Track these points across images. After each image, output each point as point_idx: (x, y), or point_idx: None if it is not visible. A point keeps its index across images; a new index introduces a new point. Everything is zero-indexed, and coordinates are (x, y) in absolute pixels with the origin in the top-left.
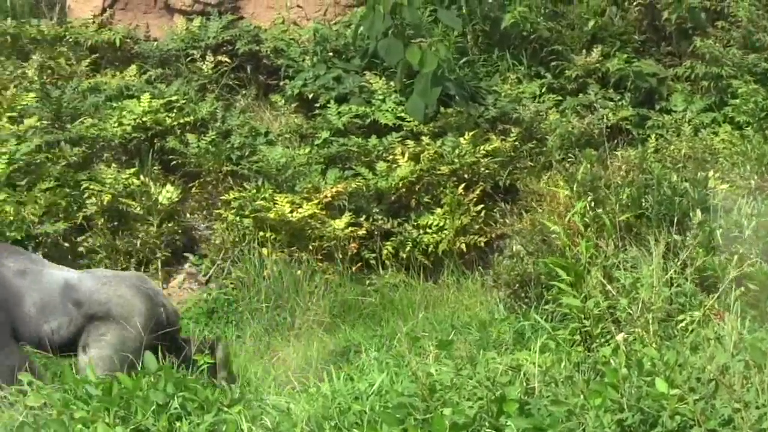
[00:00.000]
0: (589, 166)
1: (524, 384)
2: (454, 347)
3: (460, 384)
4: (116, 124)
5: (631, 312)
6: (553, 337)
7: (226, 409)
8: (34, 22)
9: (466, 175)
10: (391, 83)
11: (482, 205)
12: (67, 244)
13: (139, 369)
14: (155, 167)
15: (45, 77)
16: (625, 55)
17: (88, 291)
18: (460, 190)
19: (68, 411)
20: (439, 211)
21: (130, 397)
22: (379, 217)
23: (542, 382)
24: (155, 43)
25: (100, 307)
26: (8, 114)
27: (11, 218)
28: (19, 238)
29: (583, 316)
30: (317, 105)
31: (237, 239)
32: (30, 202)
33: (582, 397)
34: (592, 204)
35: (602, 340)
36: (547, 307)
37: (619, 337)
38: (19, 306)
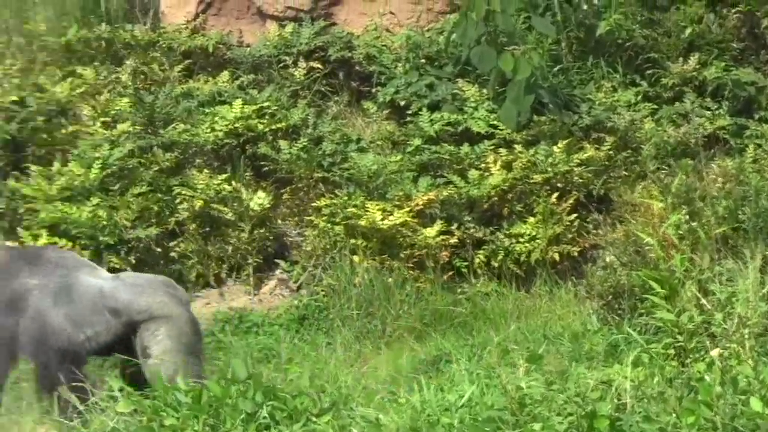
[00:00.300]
0: (684, 176)
1: (615, 399)
2: (545, 360)
3: (551, 398)
4: (208, 130)
5: (726, 327)
6: (646, 351)
7: (314, 419)
8: (128, 28)
9: (559, 184)
10: (484, 91)
11: (575, 215)
12: (159, 249)
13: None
14: (247, 173)
15: (138, 82)
16: (723, 63)
17: (126, 300)
18: (553, 199)
19: (158, 418)
20: (531, 220)
21: (219, 406)
22: (471, 225)
23: (634, 398)
24: (248, 48)
25: (141, 315)
26: (102, 119)
27: (104, 223)
28: (112, 242)
29: (677, 330)
30: (409, 112)
31: (328, 246)
32: (123, 206)
33: (674, 415)
34: (687, 216)
35: (696, 355)
36: (640, 319)
37: (714, 353)
38: (45, 323)
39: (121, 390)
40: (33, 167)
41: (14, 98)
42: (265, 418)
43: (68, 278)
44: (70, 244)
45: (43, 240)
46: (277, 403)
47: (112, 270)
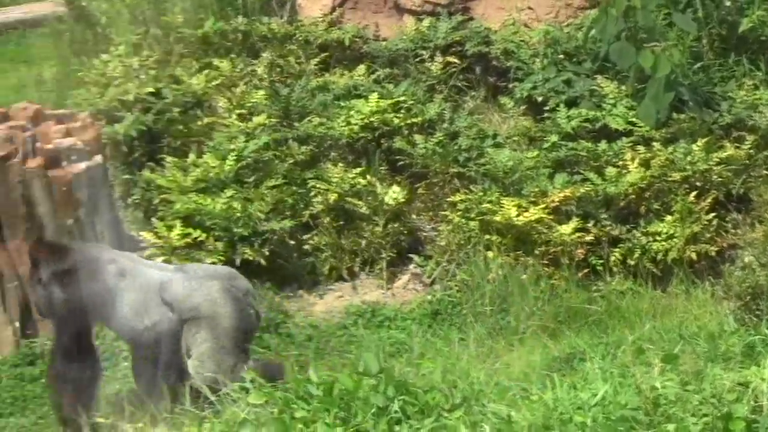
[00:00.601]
0: None
1: (752, 401)
2: (680, 360)
3: (685, 399)
4: (344, 124)
5: None
6: None
7: (446, 414)
8: (264, 20)
9: (697, 183)
10: (623, 87)
11: (714, 214)
12: (292, 242)
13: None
14: (382, 167)
15: (274, 75)
16: None
17: (179, 295)
18: (692, 197)
19: (289, 410)
20: (669, 218)
21: (350, 399)
22: (608, 223)
23: None
24: (384, 42)
25: (191, 312)
26: (237, 111)
27: (238, 214)
28: (246, 234)
29: None
30: (546, 108)
31: (462, 241)
32: (257, 199)
33: None
34: None
35: None
36: None
37: None
38: (114, 307)
39: (252, 381)
40: (168, 158)
41: (151, 90)
42: (396, 412)
43: (137, 265)
44: (204, 235)
45: (177, 231)
46: (408, 398)
47: (244, 263)
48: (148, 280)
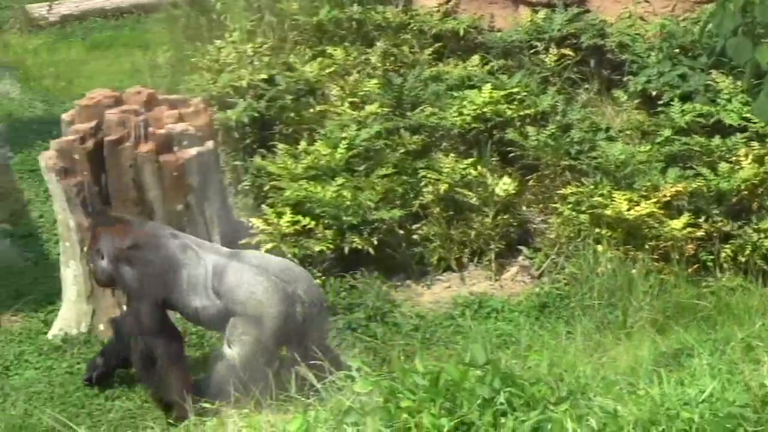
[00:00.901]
0: None
1: None
2: None
3: None
4: (456, 114)
5: None
6: None
7: (552, 407)
8: (379, 9)
9: None
10: (738, 83)
11: None
12: (401, 231)
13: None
14: (493, 158)
15: (388, 64)
16: None
17: (228, 286)
18: None
19: (394, 399)
20: None
21: (456, 390)
22: (719, 219)
23: None
24: (499, 33)
25: (237, 306)
26: (350, 99)
27: (348, 203)
28: (355, 223)
29: None
30: (660, 102)
31: (572, 234)
32: (367, 187)
33: None
34: None
35: None
36: None
37: None
38: (177, 278)
39: (358, 370)
40: (280, 145)
41: (264, 76)
42: (502, 404)
43: (196, 246)
44: (313, 222)
45: (286, 218)
46: (514, 390)
47: (353, 251)
48: (204, 263)
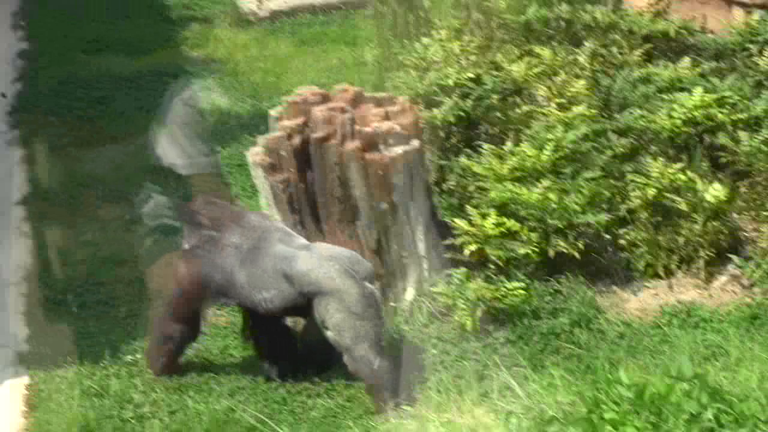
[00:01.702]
0: None
1: None
2: None
3: None
4: (666, 117)
5: None
6: None
7: (762, 426)
8: (588, 8)
9: None
10: None
11: None
12: (608, 236)
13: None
14: (703, 163)
15: (596, 65)
16: None
17: (301, 271)
18: None
19: (598, 411)
20: None
21: (661, 403)
22: None
23: None
24: (711, 35)
25: (311, 287)
26: (557, 100)
27: (554, 206)
28: (560, 226)
29: None
30: None
31: None
32: (574, 191)
33: None
34: None
35: None
36: None
37: None
38: (231, 278)
39: (561, 378)
40: (485, 145)
41: (471, 75)
42: (709, 420)
43: (259, 241)
44: (517, 225)
45: (491, 219)
46: (722, 406)
47: (558, 255)
48: (271, 253)
